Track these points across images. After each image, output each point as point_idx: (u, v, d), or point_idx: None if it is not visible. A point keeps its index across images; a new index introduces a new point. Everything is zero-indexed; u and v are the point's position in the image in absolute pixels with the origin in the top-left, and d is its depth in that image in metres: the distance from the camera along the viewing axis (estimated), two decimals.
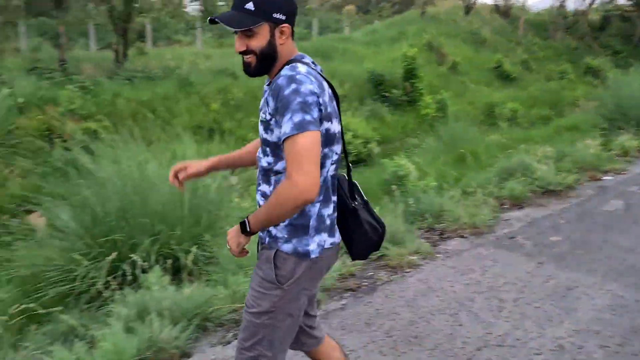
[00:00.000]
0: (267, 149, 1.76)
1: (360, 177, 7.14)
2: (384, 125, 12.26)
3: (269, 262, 1.77)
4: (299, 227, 1.75)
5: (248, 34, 1.70)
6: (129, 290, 3.13)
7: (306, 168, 1.56)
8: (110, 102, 9.97)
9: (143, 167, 4.12)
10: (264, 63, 1.74)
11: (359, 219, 1.87)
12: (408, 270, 3.93)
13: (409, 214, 4.89)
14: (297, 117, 1.58)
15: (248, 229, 1.71)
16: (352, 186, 1.91)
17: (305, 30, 24.79)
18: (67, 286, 3.38)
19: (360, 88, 13.84)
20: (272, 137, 1.72)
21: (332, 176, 1.82)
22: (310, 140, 1.58)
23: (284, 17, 1.71)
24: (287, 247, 1.76)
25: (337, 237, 1.86)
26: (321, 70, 1.83)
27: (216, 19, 1.69)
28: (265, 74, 1.78)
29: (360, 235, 1.88)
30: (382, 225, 1.93)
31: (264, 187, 1.82)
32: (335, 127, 1.75)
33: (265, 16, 1.68)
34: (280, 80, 1.64)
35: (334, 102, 1.79)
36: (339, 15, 34.04)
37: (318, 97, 1.64)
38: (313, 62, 1.82)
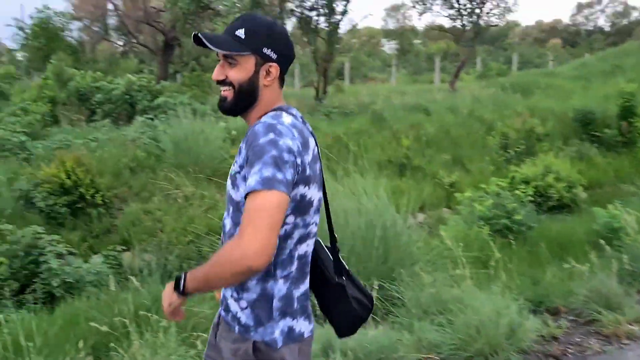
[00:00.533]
0: (230, 209, 1.52)
1: (563, 226, 6.43)
2: (592, 168, 10.98)
3: (248, 357, 1.48)
4: (261, 309, 1.48)
5: (230, 61, 1.51)
6: (317, 324, 3.15)
7: (261, 231, 1.31)
8: None
9: (335, 199, 4.20)
10: (241, 100, 1.53)
11: (346, 296, 1.63)
12: (626, 341, 3.33)
13: (625, 273, 4.19)
14: (267, 172, 1.35)
15: (181, 288, 1.44)
16: (337, 259, 1.66)
17: (504, 66, 23.80)
18: None
19: (564, 126, 12.67)
20: (236, 195, 1.48)
21: (311, 251, 1.56)
22: (275, 201, 1.34)
23: (274, 56, 1.52)
24: (258, 336, 1.49)
25: (313, 324, 1.59)
26: (311, 131, 1.59)
27: (199, 35, 1.49)
28: (239, 114, 1.57)
29: (346, 313, 1.64)
30: (370, 299, 1.70)
31: None
32: (312, 194, 1.50)
33: (254, 47, 1.50)
34: (258, 127, 1.43)
35: (317, 165, 1.54)
36: (542, 49, 32.12)
37: (296, 157, 1.41)
38: (302, 118, 1.58)
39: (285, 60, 1.56)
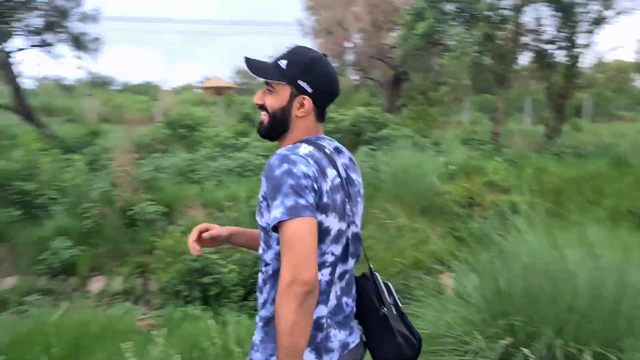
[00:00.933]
0: (261, 234, 1.57)
1: None
2: None
3: None
4: (267, 331, 1.52)
5: (269, 88, 1.59)
6: None
7: (299, 259, 1.34)
8: (534, 176, 9.86)
9: (557, 247, 3.79)
10: (273, 126, 1.60)
11: (390, 329, 1.59)
12: None
13: None
14: (290, 201, 1.39)
15: None
16: (380, 290, 1.65)
17: None
18: (461, 358, 3.34)
19: None
20: (262, 221, 1.53)
21: (327, 282, 1.53)
22: (304, 227, 1.37)
23: (309, 90, 1.55)
24: (258, 355, 1.53)
25: (331, 359, 1.53)
26: (350, 160, 1.65)
27: (246, 58, 1.59)
28: (275, 140, 1.63)
29: (391, 345, 1.59)
30: (419, 338, 1.64)
31: (259, 278, 1.62)
32: (331, 223, 1.50)
33: (290, 78, 1.55)
34: (273, 160, 1.47)
35: (338, 195, 1.52)
36: None
37: (313, 181, 1.44)
38: (336, 149, 1.62)
39: (322, 95, 1.58)
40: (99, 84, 31.50)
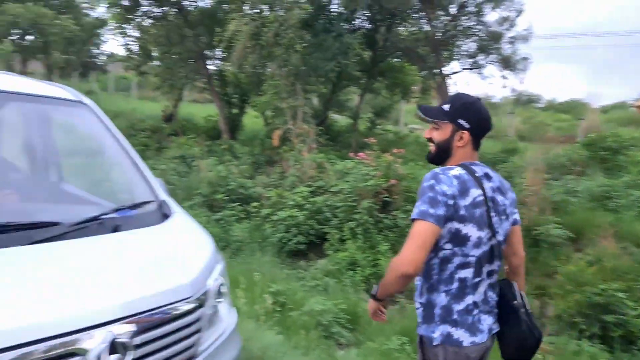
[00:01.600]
0: None
1: None
2: None
3: (418, 346, 1.99)
4: (427, 313, 1.96)
5: (435, 126, 2.04)
6: None
7: (409, 248, 1.81)
8: None
9: None
10: (439, 154, 2.05)
11: (518, 319, 1.98)
12: None
13: None
14: (423, 207, 1.85)
15: (373, 292, 2.04)
16: (515, 291, 2.04)
17: None
18: None
19: None
20: None
21: (472, 277, 1.92)
22: (422, 228, 1.82)
23: (467, 126, 1.99)
24: (422, 331, 1.97)
25: (481, 338, 1.93)
26: (499, 186, 2.00)
27: (418, 105, 2.11)
28: (440, 164, 2.04)
29: (517, 334, 1.97)
30: (539, 335, 1.99)
31: None
32: (469, 231, 1.89)
33: (451, 118, 2.00)
34: (428, 174, 1.92)
35: (479, 210, 1.90)
36: None
37: (448, 199, 1.85)
38: (486, 174, 1.99)
39: (477, 129, 2.00)
40: (523, 102, 31.98)
